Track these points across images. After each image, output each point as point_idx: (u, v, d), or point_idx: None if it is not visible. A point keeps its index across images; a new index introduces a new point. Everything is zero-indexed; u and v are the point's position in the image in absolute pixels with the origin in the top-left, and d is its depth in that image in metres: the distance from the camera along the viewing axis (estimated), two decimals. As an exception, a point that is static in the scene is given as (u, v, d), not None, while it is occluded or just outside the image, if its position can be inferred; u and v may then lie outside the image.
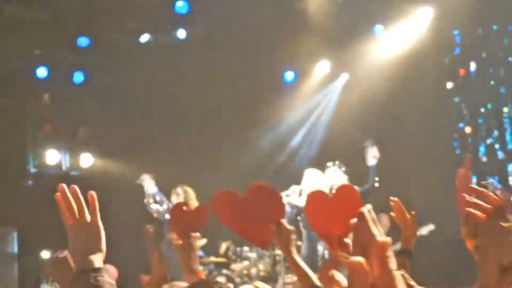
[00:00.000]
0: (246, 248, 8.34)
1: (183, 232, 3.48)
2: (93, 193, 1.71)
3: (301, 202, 7.53)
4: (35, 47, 9.56)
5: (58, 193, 1.66)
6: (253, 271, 7.64)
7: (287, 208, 7.62)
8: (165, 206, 8.59)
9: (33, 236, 8.41)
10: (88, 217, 1.72)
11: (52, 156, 9.42)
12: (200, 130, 9.72)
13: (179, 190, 8.50)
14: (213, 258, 7.73)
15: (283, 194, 6.59)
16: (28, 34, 9.41)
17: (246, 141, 9.95)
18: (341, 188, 3.76)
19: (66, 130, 9.99)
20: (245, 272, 7.69)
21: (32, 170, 9.65)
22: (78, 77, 9.49)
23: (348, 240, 3.79)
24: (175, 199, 8.47)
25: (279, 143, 10.13)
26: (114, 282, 1.62)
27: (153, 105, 10.03)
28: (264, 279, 6.88)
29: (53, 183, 9.25)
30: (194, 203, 8.23)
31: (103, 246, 1.65)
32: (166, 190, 8.03)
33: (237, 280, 7.67)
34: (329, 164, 8.09)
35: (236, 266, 7.69)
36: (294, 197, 7.97)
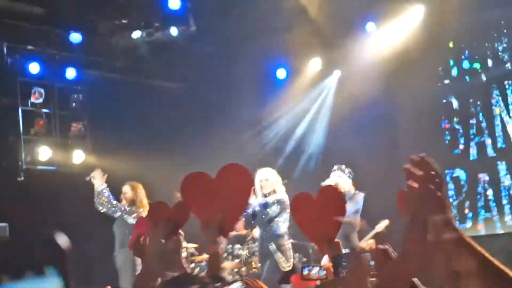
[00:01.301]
0: (237, 246, 8.28)
1: (167, 230, 3.27)
2: None
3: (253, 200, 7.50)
4: (27, 43, 9.37)
5: None
6: (244, 269, 7.63)
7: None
8: (117, 207, 8.43)
9: (25, 232, 8.38)
10: None
11: (44, 153, 9.32)
12: (191, 128, 9.73)
13: (126, 187, 8.42)
14: (205, 256, 7.68)
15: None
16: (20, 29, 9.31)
17: (236, 139, 9.87)
18: (325, 189, 3.79)
19: (58, 127, 9.83)
20: (235, 270, 7.67)
21: (24, 166, 9.43)
22: (71, 73, 9.45)
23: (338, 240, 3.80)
24: (127, 194, 8.37)
25: (273, 144, 10.15)
26: None
27: (145, 102, 9.91)
28: (255, 276, 6.84)
29: (45, 179, 9.30)
30: (144, 200, 8.30)
31: None
32: (158, 185, 8.02)
33: (229, 278, 7.68)
34: (335, 167, 8.04)
35: (227, 264, 7.65)
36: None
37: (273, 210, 7.28)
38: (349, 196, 7.55)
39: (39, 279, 0.62)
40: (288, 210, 7.05)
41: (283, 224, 7.13)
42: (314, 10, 9.24)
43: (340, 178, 7.71)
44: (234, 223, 3.98)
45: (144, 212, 8.05)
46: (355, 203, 7.39)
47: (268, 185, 7.43)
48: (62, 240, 0.60)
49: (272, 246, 6.96)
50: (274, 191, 7.42)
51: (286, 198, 7.39)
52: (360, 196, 7.54)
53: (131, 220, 8.13)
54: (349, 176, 7.81)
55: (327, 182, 7.56)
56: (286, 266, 7.14)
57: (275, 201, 7.21)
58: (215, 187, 3.45)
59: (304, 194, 3.53)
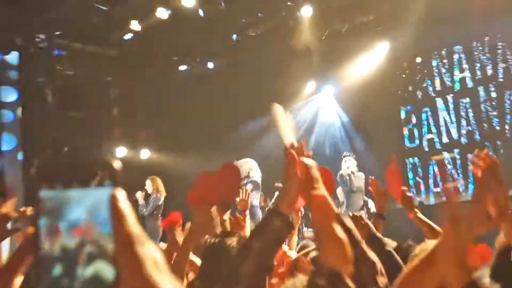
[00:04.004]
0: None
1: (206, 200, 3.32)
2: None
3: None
4: (107, 75, 11.39)
5: None
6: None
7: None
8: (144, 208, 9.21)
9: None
10: None
11: (121, 152, 11.29)
12: (222, 135, 11.12)
13: (148, 181, 9.32)
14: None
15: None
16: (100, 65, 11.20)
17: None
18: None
19: (130, 133, 11.80)
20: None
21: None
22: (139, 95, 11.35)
23: None
24: (148, 188, 9.36)
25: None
26: None
27: (194, 114, 11.67)
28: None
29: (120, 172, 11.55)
30: (161, 187, 9.24)
31: None
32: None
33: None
34: (345, 153, 9.08)
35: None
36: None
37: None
38: (356, 175, 8.48)
39: (101, 189, 0.65)
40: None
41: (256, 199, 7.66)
42: (308, 48, 10.69)
43: (350, 162, 8.69)
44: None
45: (161, 196, 9.29)
46: (360, 180, 8.19)
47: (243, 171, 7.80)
48: (118, 164, 0.67)
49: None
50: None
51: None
52: (362, 175, 8.30)
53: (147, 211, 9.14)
54: (355, 159, 8.81)
55: (344, 165, 8.61)
56: None
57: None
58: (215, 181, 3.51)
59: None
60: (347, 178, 8.50)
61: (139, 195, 9.29)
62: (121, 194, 0.65)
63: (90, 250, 0.61)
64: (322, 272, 1.37)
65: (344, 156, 8.95)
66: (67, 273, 0.60)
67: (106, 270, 0.61)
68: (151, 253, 0.64)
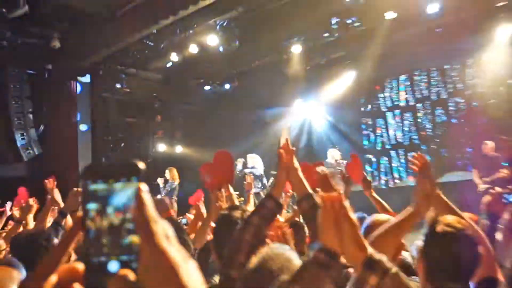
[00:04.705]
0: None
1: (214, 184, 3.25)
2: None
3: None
4: (153, 92, 11.51)
5: None
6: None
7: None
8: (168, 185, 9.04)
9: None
10: None
11: (162, 147, 11.80)
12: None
13: (167, 171, 9.26)
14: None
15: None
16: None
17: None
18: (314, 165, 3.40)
19: (168, 134, 12.08)
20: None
21: (151, 153, 11.50)
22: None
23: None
24: (167, 176, 9.33)
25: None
26: None
27: (214, 120, 11.99)
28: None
29: (161, 161, 10.88)
30: (175, 175, 9.14)
31: None
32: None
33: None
34: (330, 146, 9.39)
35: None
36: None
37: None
38: (339, 162, 8.50)
39: (132, 183, 0.61)
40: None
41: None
42: (298, 74, 10.69)
43: (334, 152, 8.82)
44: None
45: (174, 182, 9.26)
46: (342, 166, 7.78)
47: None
48: (142, 165, 0.62)
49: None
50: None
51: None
52: (344, 162, 8.08)
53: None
54: (339, 150, 9.09)
55: (329, 155, 8.52)
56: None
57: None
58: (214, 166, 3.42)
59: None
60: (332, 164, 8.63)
61: (160, 180, 9.41)
62: (143, 186, 0.61)
63: (128, 227, 0.60)
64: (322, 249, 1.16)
65: (330, 148, 9.15)
66: (113, 242, 0.60)
67: (137, 241, 0.60)
68: (164, 229, 0.60)
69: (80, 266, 0.59)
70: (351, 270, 1.49)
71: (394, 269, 1.21)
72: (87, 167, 0.63)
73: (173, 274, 0.57)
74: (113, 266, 0.60)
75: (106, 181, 0.62)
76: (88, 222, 0.61)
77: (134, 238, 0.61)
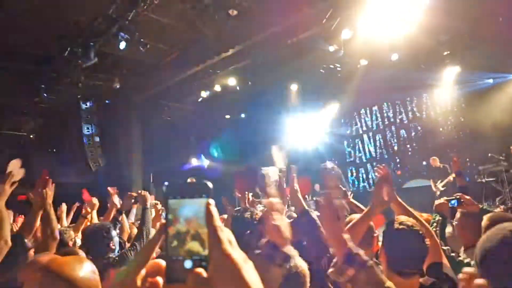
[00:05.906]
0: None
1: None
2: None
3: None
4: (188, 120, 11.18)
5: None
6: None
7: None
8: None
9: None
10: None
11: (194, 160, 11.97)
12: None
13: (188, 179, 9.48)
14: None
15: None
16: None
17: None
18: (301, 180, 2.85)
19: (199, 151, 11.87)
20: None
21: (187, 167, 11.61)
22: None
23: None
24: None
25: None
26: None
27: (234, 141, 11.45)
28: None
29: (192, 172, 10.94)
30: None
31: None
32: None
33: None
34: (327, 161, 8.01)
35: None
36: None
37: None
38: (334, 170, 7.40)
39: (201, 198, 0.57)
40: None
41: None
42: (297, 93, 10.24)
43: (331, 163, 7.11)
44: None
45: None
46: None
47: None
48: (210, 184, 0.56)
49: None
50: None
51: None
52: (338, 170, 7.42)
53: None
54: (334, 162, 8.81)
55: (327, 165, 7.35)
56: None
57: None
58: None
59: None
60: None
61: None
62: (212, 202, 0.57)
63: (192, 233, 0.56)
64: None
65: (327, 161, 7.82)
66: (179, 245, 0.56)
67: (198, 246, 0.56)
68: (228, 235, 0.56)
69: (162, 262, 0.57)
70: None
71: (370, 262, 1.15)
72: (168, 186, 0.59)
73: (237, 272, 0.55)
74: (188, 264, 0.57)
75: (183, 198, 0.59)
76: (167, 228, 0.59)
77: (195, 244, 0.57)
